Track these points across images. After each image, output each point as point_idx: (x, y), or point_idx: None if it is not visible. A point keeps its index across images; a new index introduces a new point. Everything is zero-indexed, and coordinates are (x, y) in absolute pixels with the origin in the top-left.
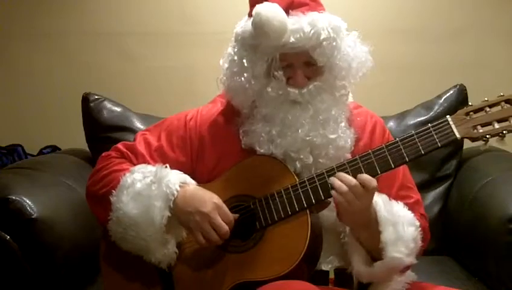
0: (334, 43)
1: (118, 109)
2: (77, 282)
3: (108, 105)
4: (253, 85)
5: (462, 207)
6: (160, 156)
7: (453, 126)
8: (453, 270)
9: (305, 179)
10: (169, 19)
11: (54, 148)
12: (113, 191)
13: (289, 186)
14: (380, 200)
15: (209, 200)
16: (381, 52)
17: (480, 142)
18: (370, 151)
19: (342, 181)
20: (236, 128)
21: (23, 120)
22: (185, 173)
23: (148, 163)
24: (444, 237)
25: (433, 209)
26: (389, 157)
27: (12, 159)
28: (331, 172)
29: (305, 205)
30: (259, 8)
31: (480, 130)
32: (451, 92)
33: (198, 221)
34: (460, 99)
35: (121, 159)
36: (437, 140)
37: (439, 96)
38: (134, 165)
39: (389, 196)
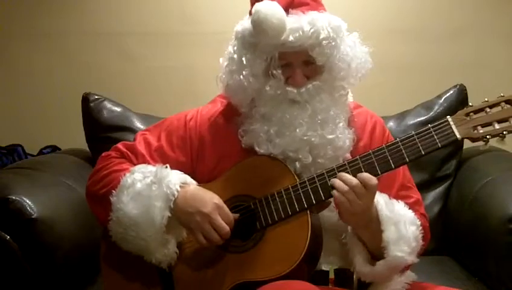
0: (334, 43)
1: (118, 109)
2: (77, 282)
3: (108, 105)
4: (252, 84)
5: (462, 207)
6: (160, 156)
7: (453, 126)
8: (453, 270)
9: (306, 179)
10: (169, 19)
11: (54, 148)
12: (113, 191)
13: (289, 186)
14: (381, 200)
15: (210, 200)
16: (381, 52)
17: (480, 143)
18: (370, 151)
19: (343, 181)
20: (236, 128)
21: (23, 120)
22: (185, 173)
23: (148, 163)
24: (444, 237)
25: (433, 209)
26: (389, 157)
27: (12, 159)
28: (332, 172)
29: (306, 205)
30: (258, 5)
31: (481, 131)
32: (451, 92)
33: (199, 221)
34: (460, 99)
35: (121, 159)
36: (437, 140)
37: (439, 96)
38: (135, 165)
39: (389, 195)
